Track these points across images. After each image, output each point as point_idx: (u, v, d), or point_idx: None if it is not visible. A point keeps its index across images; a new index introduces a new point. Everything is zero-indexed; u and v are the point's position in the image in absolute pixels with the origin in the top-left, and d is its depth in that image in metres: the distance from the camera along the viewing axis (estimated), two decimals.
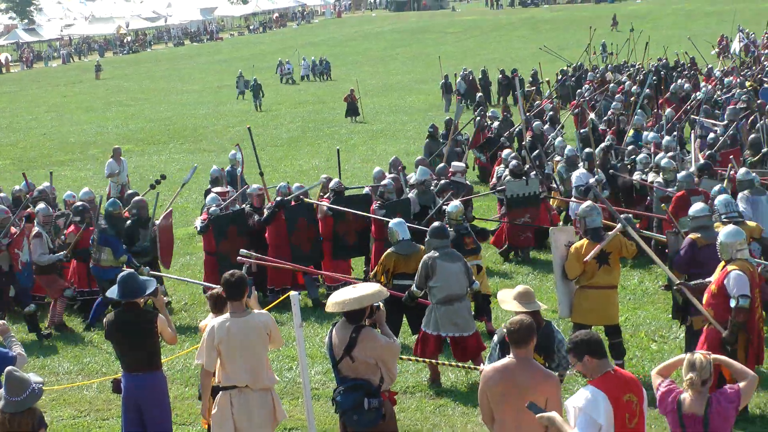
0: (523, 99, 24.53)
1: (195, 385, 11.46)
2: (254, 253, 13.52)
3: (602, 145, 19.08)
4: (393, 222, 13.17)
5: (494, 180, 19.36)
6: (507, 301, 8.64)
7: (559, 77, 40.33)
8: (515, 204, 17.39)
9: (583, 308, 11.67)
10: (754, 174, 15.21)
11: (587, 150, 18.78)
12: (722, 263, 10.21)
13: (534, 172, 17.95)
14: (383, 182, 16.57)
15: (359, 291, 8.31)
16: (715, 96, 29.36)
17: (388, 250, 12.96)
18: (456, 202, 14.31)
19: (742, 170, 15.41)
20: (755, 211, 14.26)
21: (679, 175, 15.52)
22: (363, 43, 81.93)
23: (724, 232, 10.30)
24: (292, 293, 9.48)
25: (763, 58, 43.96)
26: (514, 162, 18.17)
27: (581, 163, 18.28)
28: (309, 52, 66.77)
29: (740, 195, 14.72)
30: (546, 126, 25.09)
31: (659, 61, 40.42)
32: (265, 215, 15.71)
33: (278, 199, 15.90)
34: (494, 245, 17.95)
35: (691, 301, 10.66)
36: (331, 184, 16.63)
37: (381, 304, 8.48)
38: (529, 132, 22.23)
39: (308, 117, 42.98)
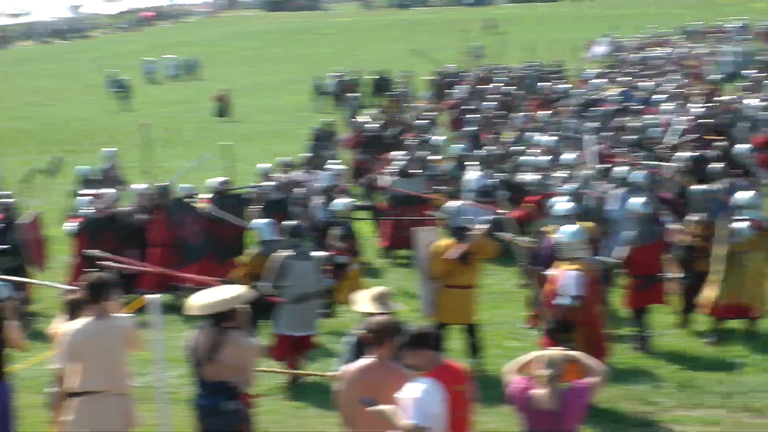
0: (399, 100, 24.85)
1: (45, 393, 11.11)
2: (103, 253, 13.16)
3: (493, 148, 19.36)
4: (257, 222, 13.09)
5: (384, 181, 19.46)
6: (363, 302, 8.64)
7: (436, 78, 40.78)
8: (400, 202, 17.53)
9: (445, 307, 11.87)
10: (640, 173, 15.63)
11: (480, 152, 19.06)
12: (561, 262, 10.55)
13: (420, 172, 18.12)
14: (263, 183, 16.52)
15: (223, 293, 8.26)
16: (586, 98, 29.96)
17: (252, 251, 12.87)
18: (344, 200, 14.40)
19: (621, 168, 15.83)
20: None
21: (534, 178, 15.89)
22: (237, 42, 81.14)
23: (563, 231, 10.63)
24: (150, 296, 9.32)
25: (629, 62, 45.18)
26: (400, 161, 18.30)
27: (476, 165, 18.43)
28: (182, 51, 65.92)
29: (614, 192, 15.10)
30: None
31: (525, 65, 41.01)
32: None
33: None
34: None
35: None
36: (215, 183, 16.48)
37: (244, 306, 8.40)
38: (413, 133, 22.48)
39: (177, 117, 42.41)
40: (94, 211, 15.37)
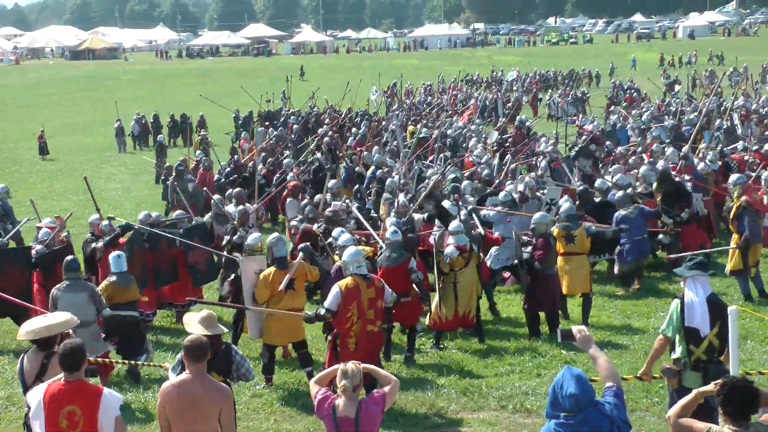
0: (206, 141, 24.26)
1: None
2: None
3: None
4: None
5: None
6: (191, 324, 8.48)
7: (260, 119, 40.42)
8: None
9: (273, 330, 11.86)
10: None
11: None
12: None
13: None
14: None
15: (49, 320, 8.01)
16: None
17: (109, 280, 12.48)
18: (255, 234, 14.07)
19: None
20: None
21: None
22: (44, 88, 77.18)
23: (347, 253, 11.02)
24: None
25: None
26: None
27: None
28: None
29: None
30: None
31: (317, 109, 40.91)
32: (107, 239, 14.66)
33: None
34: None
35: None
36: (142, 217, 15.83)
37: (71, 331, 8.17)
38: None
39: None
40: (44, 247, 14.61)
